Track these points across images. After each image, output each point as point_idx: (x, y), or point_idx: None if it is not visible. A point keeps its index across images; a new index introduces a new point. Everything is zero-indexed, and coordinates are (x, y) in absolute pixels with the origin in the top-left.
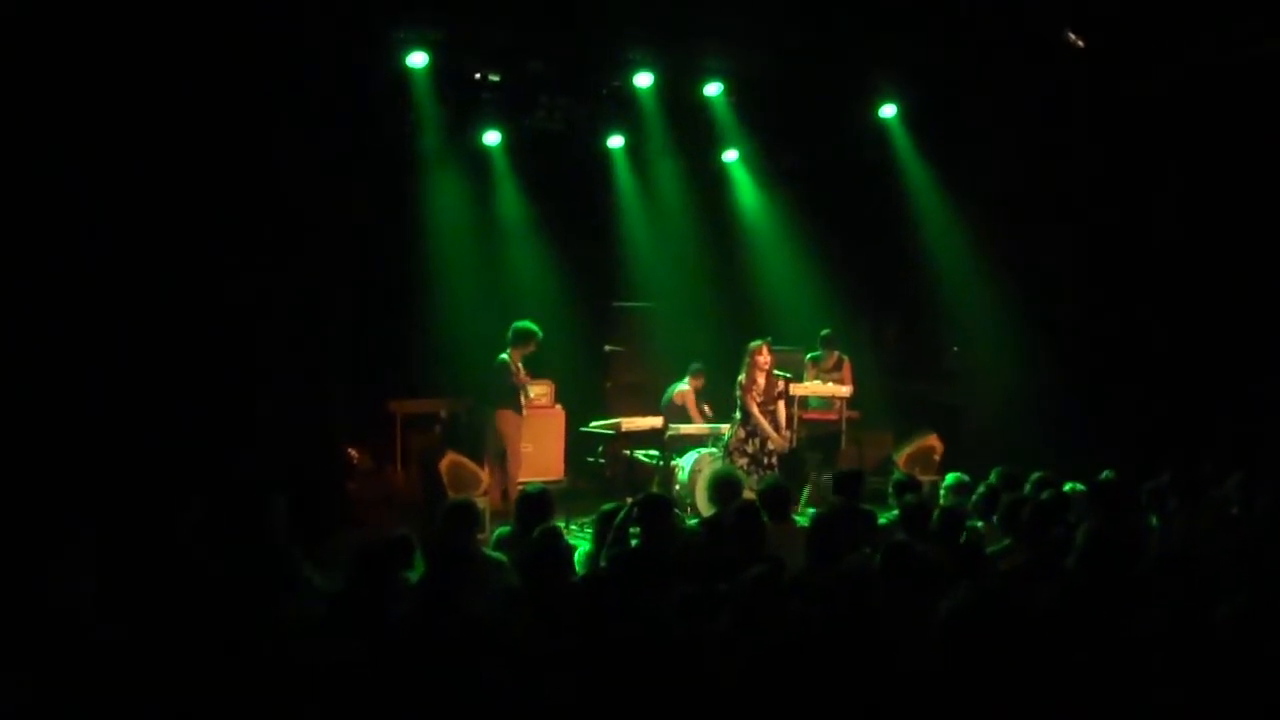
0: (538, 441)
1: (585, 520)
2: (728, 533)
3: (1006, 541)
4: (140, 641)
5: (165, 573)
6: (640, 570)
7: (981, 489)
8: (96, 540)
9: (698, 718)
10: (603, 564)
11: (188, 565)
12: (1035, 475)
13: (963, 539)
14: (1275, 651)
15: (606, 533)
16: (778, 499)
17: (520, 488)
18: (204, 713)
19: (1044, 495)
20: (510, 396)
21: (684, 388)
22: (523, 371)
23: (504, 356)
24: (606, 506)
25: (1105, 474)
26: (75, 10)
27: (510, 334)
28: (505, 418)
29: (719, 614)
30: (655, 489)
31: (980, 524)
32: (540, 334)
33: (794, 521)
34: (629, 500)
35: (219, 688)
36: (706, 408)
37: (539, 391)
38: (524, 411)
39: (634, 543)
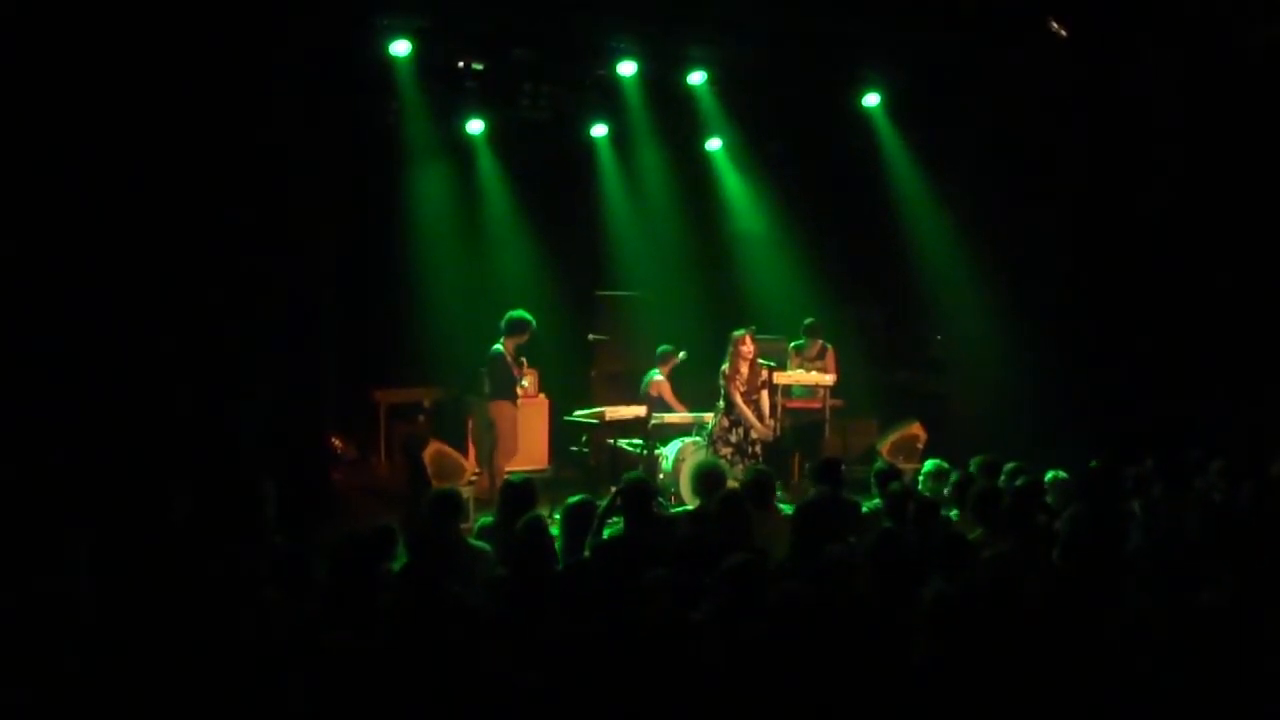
0: (522, 431)
1: None
2: (712, 522)
3: (979, 531)
4: (132, 633)
5: (157, 562)
6: (624, 559)
7: (955, 478)
8: (89, 532)
9: (682, 706)
10: (586, 554)
11: (179, 555)
12: (1009, 466)
13: (944, 527)
14: (1258, 636)
15: (576, 526)
16: (761, 487)
17: (504, 477)
18: (195, 703)
19: (1018, 483)
20: (507, 387)
21: (658, 378)
22: (524, 364)
23: (499, 347)
24: (573, 499)
25: (1090, 462)
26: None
27: (504, 323)
28: (500, 408)
29: (701, 602)
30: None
31: (955, 513)
32: (534, 322)
33: (778, 510)
34: (614, 490)
35: (210, 678)
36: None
37: (528, 381)
38: (519, 402)
39: (606, 533)
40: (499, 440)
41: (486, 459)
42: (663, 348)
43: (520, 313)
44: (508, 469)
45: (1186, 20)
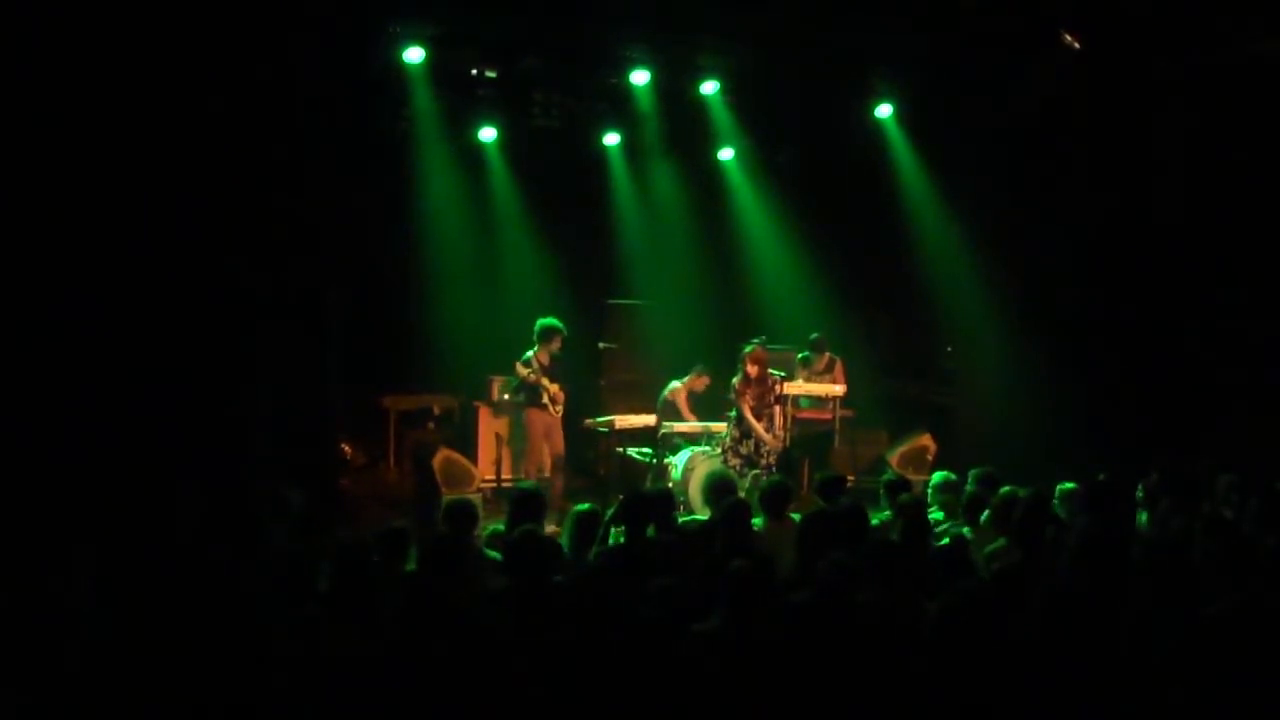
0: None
1: None
2: (717, 531)
3: (1001, 541)
4: (139, 641)
5: (164, 570)
6: (625, 568)
7: (967, 495)
8: (96, 539)
9: (683, 714)
10: (589, 562)
11: (187, 563)
12: (1004, 490)
13: (945, 541)
14: (1264, 649)
15: (581, 534)
16: (777, 497)
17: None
18: (200, 710)
19: (1022, 495)
20: (532, 395)
21: (677, 385)
22: (538, 370)
23: (527, 355)
24: (581, 508)
25: (1098, 474)
26: (70, 4)
27: (535, 332)
28: (529, 415)
29: (702, 609)
30: (648, 487)
31: (968, 530)
32: (564, 330)
33: (792, 520)
34: (620, 498)
35: (215, 685)
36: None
37: (556, 388)
38: (553, 409)
39: (609, 543)
40: (528, 446)
41: (517, 463)
42: (697, 366)
43: (549, 320)
44: (513, 477)
45: (1199, 32)
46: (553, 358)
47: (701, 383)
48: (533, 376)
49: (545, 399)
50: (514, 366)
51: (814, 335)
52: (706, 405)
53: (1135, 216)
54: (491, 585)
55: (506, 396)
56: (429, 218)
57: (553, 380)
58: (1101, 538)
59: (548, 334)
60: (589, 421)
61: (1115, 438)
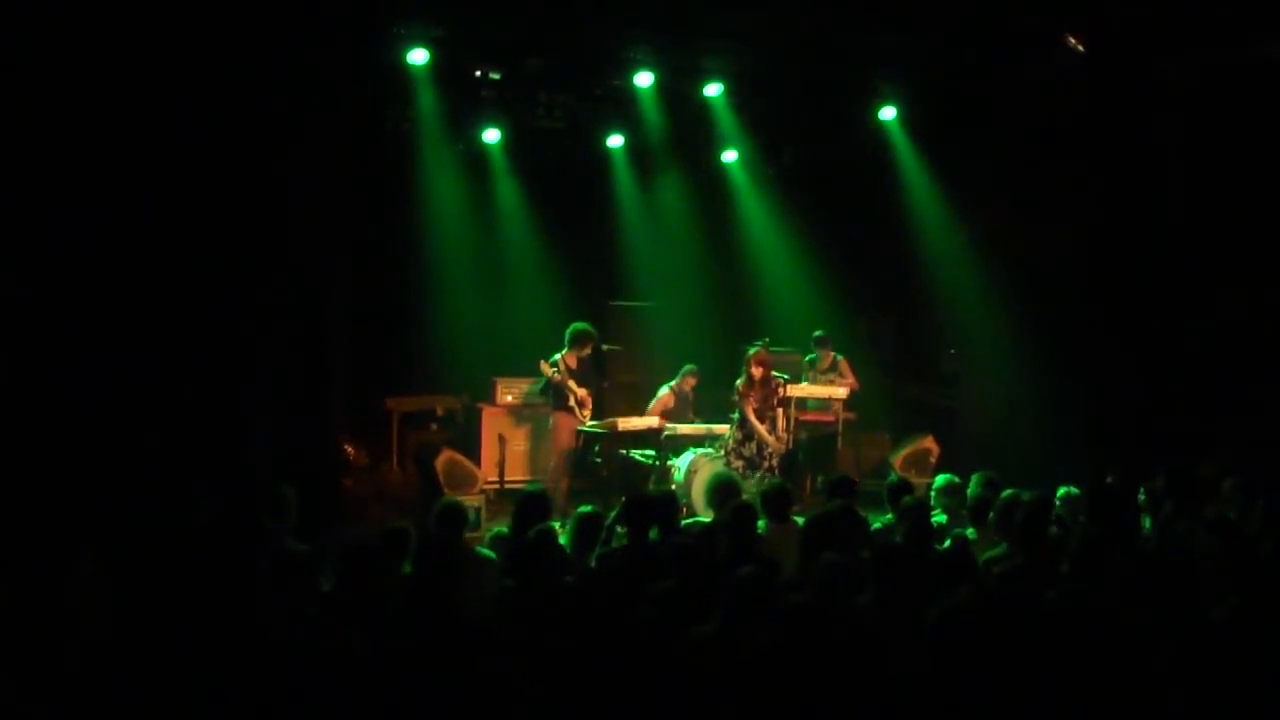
0: (534, 441)
1: None
2: (722, 534)
3: (1003, 546)
4: (140, 640)
5: (165, 569)
6: (628, 570)
7: (971, 498)
8: (97, 539)
9: (682, 716)
10: (592, 564)
11: (188, 562)
12: (1007, 493)
13: (947, 544)
14: (1267, 653)
15: (584, 536)
16: (779, 500)
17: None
18: (203, 709)
19: (1026, 498)
20: (559, 398)
21: (663, 393)
22: (568, 373)
23: (555, 356)
24: (582, 510)
25: (1103, 478)
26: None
27: (566, 335)
28: (556, 419)
29: (707, 613)
30: (650, 489)
31: (972, 531)
32: (596, 335)
33: (795, 523)
34: (623, 501)
35: (217, 686)
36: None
37: (584, 393)
38: (580, 413)
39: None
40: (551, 449)
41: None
42: (686, 367)
43: (581, 325)
44: (516, 479)
45: (1203, 35)
46: (581, 361)
47: (689, 383)
48: (557, 377)
49: (573, 402)
50: (539, 365)
51: (817, 333)
52: (709, 407)
53: (1137, 218)
54: (489, 587)
55: (510, 398)
56: (432, 219)
57: (580, 384)
58: (1105, 541)
59: (580, 338)
60: (591, 423)
61: (1119, 440)
